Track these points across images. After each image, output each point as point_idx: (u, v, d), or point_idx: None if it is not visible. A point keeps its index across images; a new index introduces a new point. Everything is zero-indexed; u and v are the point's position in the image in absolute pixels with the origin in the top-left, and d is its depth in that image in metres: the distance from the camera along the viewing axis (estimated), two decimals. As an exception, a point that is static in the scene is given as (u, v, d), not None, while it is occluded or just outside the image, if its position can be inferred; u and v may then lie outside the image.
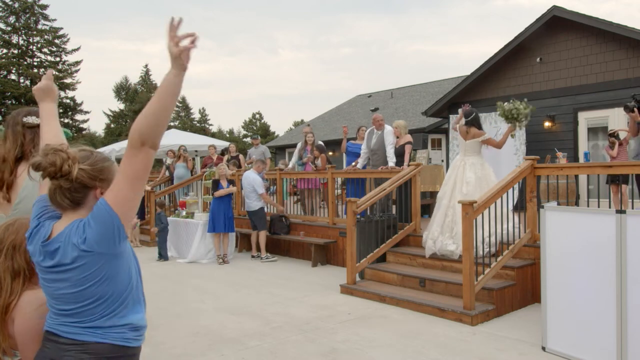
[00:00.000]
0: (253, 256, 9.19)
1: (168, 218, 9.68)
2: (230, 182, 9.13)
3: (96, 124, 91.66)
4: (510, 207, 6.14)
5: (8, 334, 1.80)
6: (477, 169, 6.55)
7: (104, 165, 1.68)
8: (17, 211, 2.13)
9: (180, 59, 1.59)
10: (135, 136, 1.55)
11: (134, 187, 1.58)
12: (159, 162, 20.94)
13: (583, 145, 10.36)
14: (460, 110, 7.12)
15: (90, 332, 1.63)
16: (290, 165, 9.87)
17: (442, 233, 6.48)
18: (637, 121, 6.15)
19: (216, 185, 8.91)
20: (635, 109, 6.12)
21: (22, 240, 1.80)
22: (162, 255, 9.28)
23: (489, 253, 5.74)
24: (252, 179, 9.03)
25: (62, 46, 35.68)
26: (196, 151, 16.21)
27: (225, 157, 12.17)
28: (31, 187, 2.11)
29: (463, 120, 6.85)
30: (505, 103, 6.93)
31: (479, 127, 6.73)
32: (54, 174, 1.59)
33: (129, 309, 1.68)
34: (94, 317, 1.63)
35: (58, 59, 35.65)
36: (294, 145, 10.61)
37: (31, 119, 2.18)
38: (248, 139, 46.25)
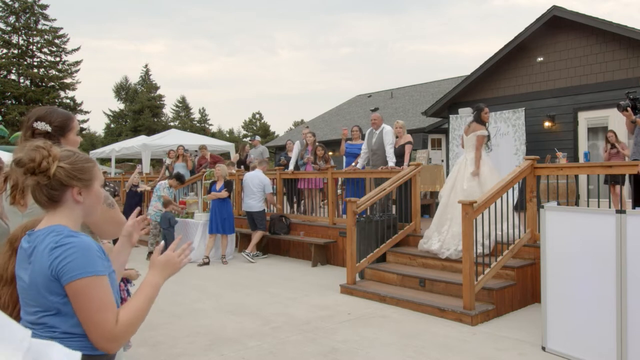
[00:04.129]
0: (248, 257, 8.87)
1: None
2: (227, 183, 9.05)
3: (96, 124, 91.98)
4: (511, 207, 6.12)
5: None
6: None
7: (84, 165, 1.67)
8: (31, 210, 2.13)
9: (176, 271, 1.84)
10: (129, 334, 1.61)
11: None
12: (158, 162, 20.99)
13: (583, 145, 10.36)
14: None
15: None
16: (291, 167, 9.85)
17: (436, 231, 6.52)
18: (631, 120, 6.12)
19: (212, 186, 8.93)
20: (629, 108, 6.09)
21: None
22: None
23: (482, 253, 5.70)
24: (262, 179, 9.05)
25: (62, 46, 35.60)
26: (196, 151, 16.19)
27: (237, 157, 12.26)
28: None
29: (471, 118, 6.82)
30: None
31: (480, 122, 6.61)
32: (32, 170, 1.59)
33: None
34: (51, 329, 1.54)
35: (58, 59, 35.59)
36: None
37: (41, 125, 2.09)
38: (248, 139, 46.18)
